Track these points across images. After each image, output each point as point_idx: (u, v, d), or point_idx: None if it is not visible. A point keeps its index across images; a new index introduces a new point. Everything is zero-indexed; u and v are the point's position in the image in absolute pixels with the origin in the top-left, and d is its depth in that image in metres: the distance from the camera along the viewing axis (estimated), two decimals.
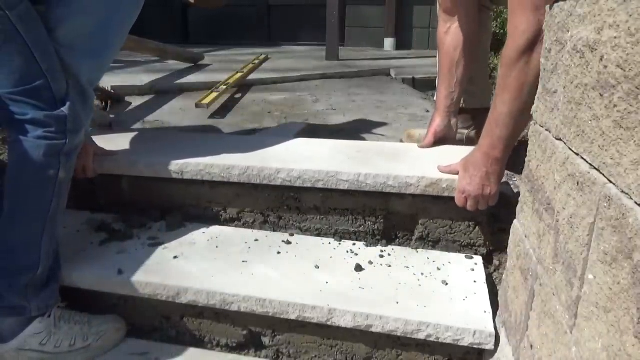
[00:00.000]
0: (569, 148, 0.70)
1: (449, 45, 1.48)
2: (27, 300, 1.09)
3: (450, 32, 1.48)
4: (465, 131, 1.71)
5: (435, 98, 1.55)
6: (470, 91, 1.65)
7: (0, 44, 0.99)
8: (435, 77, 1.71)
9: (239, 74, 2.94)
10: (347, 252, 1.29)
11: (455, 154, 1.46)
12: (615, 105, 0.55)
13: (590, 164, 0.62)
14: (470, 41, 1.48)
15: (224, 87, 2.56)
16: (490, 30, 1.73)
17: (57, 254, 1.17)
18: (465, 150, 1.50)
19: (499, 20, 2.56)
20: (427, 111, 2.35)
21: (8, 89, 1.03)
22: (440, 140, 1.51)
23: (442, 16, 1.50)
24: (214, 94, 2.38)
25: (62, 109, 1.08)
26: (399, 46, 5.33)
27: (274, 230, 1.40)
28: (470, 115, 1.70)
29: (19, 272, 1.08)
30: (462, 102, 1.67)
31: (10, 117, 1.05)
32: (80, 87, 1.12)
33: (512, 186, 1.42)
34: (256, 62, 3.60)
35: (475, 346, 1.01)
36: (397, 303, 1.07)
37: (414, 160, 1.38)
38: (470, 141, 1.69)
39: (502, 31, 2.57)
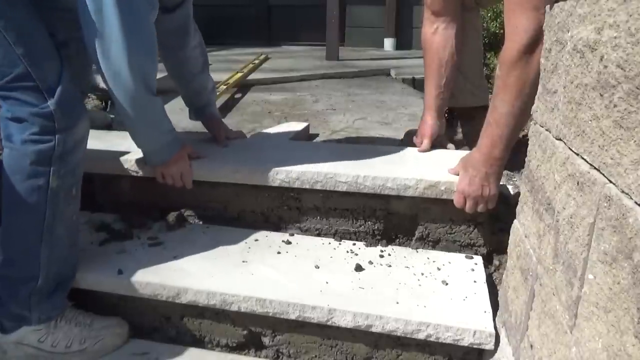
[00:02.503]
0: (569, 148, 0.70)
1: (438, 45, 1.48)
2: (29, 310, 1.08)
3: (438, 33, 1.48)
4: (465, 131, 1.71)
5: (424, 99, 1.55)
6: (468, 90, 1.65)
7: None
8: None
9: (239, 74, 2.94)
10: (347, 252, 1.29)
11: (453, 155, 1.46)
12: (615, 105, 0.55)
13: (590, 164, 0.62)
14: (458, 41, 1.48)
15: (224, 87, 2.56)
16: (481, 29, 1.73)
17: (70, 264, 1.15)
18: (462, 152, 1.50)
19: (498, 20, 2.56)
20: None
21: None
22: (435, 140, 1.51)
23: (430, 17, 1.50)
24: None
25: (48, 103, 1.00)
26: (399, 46, 5.33)
27: (274, 230, 1.40)
28: (469, 114, 1.70)
29: (20, 282, 1.07)
30: (460, 101, 1.67)
31: None
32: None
33: (512, 186, 1.42)
34: (256, 62, 3.61)
35: (475, 346, 1.01)
36: (397, 303, 1.07)
37: (413, 162, 1.38)
38: (469, 141, 1.69)
39: (501, 31, 2.57)
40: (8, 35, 0.96)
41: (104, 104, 2.45)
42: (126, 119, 1.16)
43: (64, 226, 1.10)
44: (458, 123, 1.76)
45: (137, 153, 1.47)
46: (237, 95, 2.75)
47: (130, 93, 1.10)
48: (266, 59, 3.98)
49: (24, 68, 0.98)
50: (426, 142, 1.48)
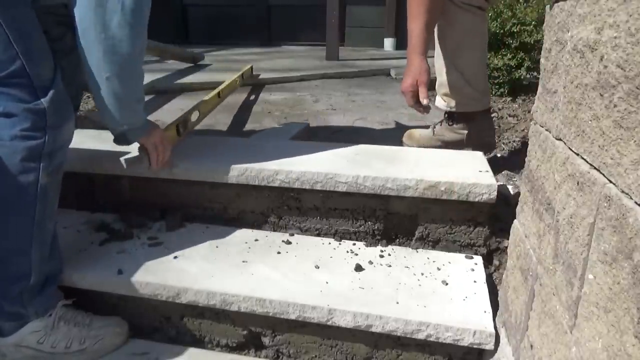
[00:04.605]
0: (569, 148, 0.70)
1: None
2: (24, 307, 1.08)
3: None
4: (465, 132, 1.71)
5: (410, 41, 1.51)
6: (470, 94, 1.65)
7: None
8: (434, 77, 1.70)
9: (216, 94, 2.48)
10: (347, 252, 1.29)
11: (454, 155, 1.46)
12: (615, 105, 0.55)
13: (590, 164, 0.62)
14: None
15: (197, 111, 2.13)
16: (487, 34, 1.72)
17: (57, 259, 1.15)
18: (462, 153, 1.50)
19: (498, 20, 2.55)
20: None
21: None
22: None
23: None
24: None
25: (42, 100, 1.00)
26: (399, 46, 5.33)
27: (274, 230, 1.40)
28: (469, 116, 1.70)
29: (11, 280, 1.06)
30: (463, 106, 1.67)
31: None
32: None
33: (512, 186, 1.42)
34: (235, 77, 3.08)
35: (475, 346, 1.01)
36: (397, 303, 1.07)
37: (413, 162, 1.38)
38: (470, 142, 1.69)
39: (502, 31, 2.56)
40: (9, 32, 0.96)
41: None
42: (116, 95, 1.10)
43: (52, 222, 1.10)
44: (458, 124, 1.76)
45: (137, 153, 1.47)
46: (238, 95, 2.75)
47: (130, 64, 1.09)
48: (252, 73, 3.43)
49: (21, 65, 0.98)
50: (424, 91, 1.48)
